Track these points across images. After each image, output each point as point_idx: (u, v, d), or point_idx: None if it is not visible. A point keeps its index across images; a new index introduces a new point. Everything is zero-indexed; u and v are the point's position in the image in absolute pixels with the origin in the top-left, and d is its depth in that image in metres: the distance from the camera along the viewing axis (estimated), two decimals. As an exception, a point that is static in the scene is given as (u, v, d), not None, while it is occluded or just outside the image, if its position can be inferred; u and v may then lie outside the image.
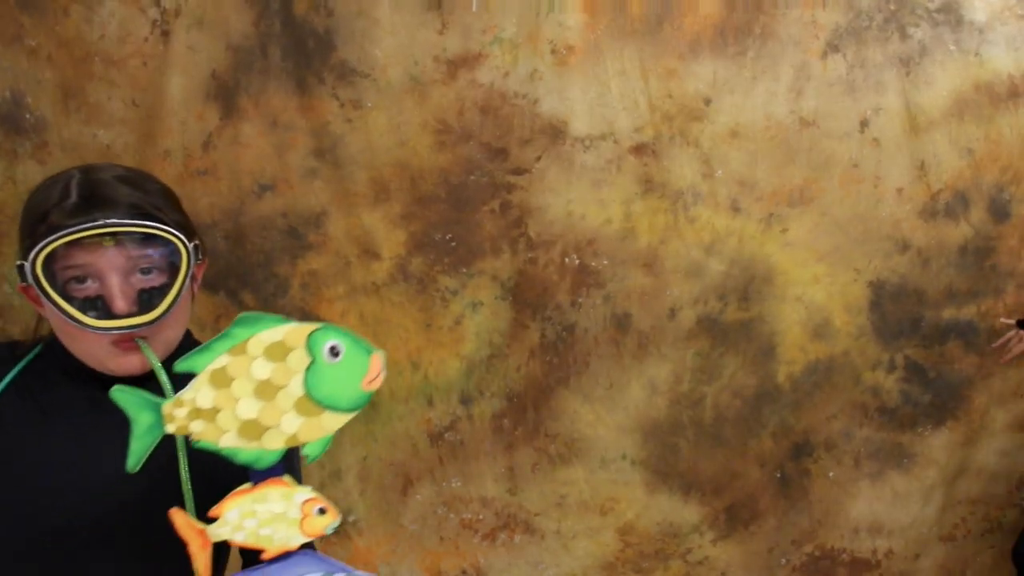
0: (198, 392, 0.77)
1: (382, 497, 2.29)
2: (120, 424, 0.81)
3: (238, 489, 0.81)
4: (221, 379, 0.76)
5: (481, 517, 2.29)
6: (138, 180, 0.99)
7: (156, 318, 0.94)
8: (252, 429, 0.77)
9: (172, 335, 1.01)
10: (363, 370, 0.77)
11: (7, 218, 2.14)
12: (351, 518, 2.31)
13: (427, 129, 2.10)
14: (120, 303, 0.93)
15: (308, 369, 0.76)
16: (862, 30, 2.07)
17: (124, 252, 0.94)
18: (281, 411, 0.77)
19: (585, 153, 2.11)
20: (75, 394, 1.02)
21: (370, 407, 2.25)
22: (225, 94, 2.10)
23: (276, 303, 2.20)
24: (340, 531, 2.30)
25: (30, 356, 1.05)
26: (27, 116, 2.10)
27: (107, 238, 0.92)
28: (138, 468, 0.80)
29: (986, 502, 2.37)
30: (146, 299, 0.94)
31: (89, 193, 0.94)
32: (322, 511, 0.82)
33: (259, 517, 0.81)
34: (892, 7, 2.06)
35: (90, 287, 0.93)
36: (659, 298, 2.19)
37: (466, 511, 2.30)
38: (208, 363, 0.76)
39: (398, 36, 2.05)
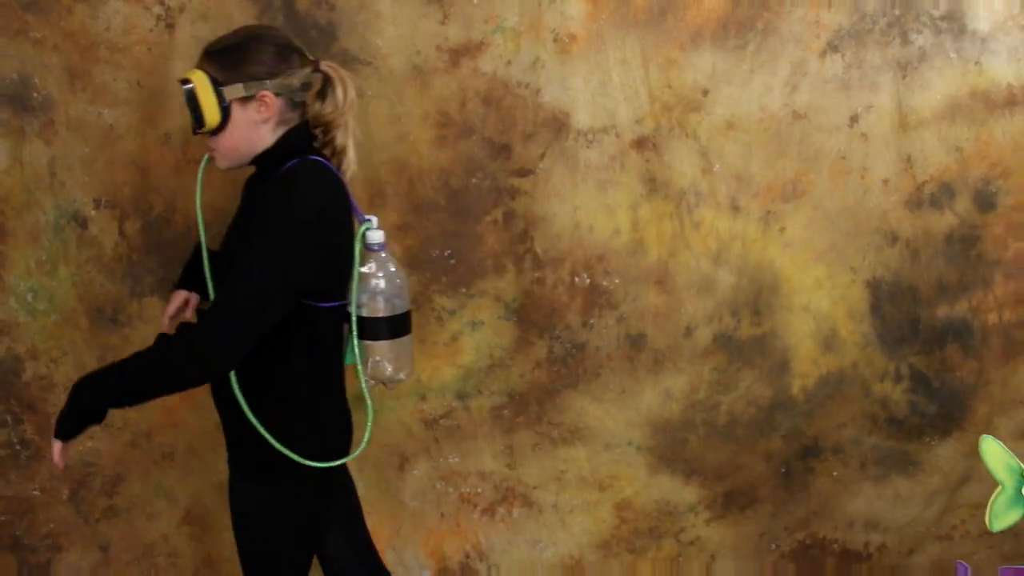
0: None
1: (379, 475, 2.29)
2: None
3: None
4: None
5: (480, 491, 2.29)
6: None
7: None
8: None
9: None
10: None
11: (13, 210, 2.12)
12: (351, 497, 2.30)
13: (428, 122, 2.10)
14: None
15: None
16: (864, 33, 2.08)
17: None
18: None
19: (588, 149, 2.11)
20: None
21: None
22: (229, 80, 2.12)
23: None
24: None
25: None
26: (35, 95, 2.11)
27: None
28: None
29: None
30: None
31: None
32: None
33: None
34: (897, 12, 2.07)
35: None
36: (674, 317, 2.20)
37: (465, 485, 2.31)
38: None
39: (400, 27, 2.06)
